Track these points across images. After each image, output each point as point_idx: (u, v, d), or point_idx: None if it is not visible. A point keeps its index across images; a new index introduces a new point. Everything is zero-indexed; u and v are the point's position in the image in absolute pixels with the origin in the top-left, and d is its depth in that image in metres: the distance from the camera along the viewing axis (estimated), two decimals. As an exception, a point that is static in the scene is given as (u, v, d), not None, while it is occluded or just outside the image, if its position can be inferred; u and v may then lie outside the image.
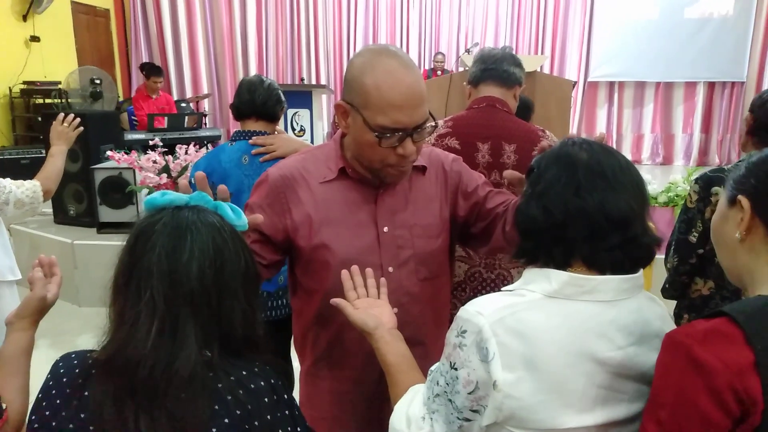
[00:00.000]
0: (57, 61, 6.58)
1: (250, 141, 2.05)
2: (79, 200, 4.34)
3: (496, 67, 1.85)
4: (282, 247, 1.24)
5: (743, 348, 0.70)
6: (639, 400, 0.84)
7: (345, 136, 1.21)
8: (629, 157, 9.43)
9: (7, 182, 2.00)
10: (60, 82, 6.10)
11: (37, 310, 1.11)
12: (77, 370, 0.84)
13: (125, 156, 3.81)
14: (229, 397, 0.81)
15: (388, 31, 8.68)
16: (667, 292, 1.72)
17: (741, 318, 0.72)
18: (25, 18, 6.30)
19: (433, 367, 0.92)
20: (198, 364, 0.80)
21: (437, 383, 0.89)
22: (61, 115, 2.26)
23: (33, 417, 0.84)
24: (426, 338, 1.25)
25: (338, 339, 1.24)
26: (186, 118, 5.99)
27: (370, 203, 1.22)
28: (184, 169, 2.88)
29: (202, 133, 6.07)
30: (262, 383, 0.85)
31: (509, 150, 1.81)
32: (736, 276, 0.87)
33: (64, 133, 2.23)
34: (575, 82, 7.66)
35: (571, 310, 0.83)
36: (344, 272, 1.10)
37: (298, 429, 0.88)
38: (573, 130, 8.87)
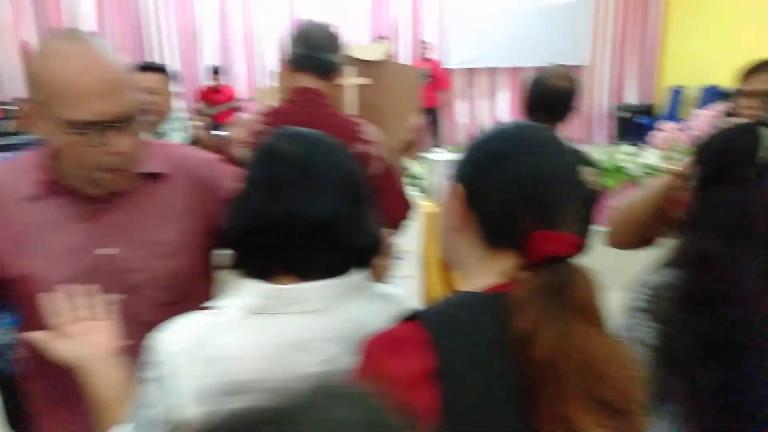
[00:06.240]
0: None
1: None
2: None
3: (315, 56, 1.70)
4: None
5: (423, 354, 0.65)
6: None
7: None
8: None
9: None
10: None
11: None
12: None
13: None
14: None
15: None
16: None
17: (428, 319, 0.69)
18: None
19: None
20: None
21: (133, 424, 0.80)
22: None
23: None
24: None
25: (56, 385, 1.09)
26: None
27: (87, 221, 1.08)
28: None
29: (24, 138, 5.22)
30: None
31: None
32: (456, 262, 0.81)
33: None
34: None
35: (272, 326, 0.77)
36: (44, 296, 0.95)
37: None
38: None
